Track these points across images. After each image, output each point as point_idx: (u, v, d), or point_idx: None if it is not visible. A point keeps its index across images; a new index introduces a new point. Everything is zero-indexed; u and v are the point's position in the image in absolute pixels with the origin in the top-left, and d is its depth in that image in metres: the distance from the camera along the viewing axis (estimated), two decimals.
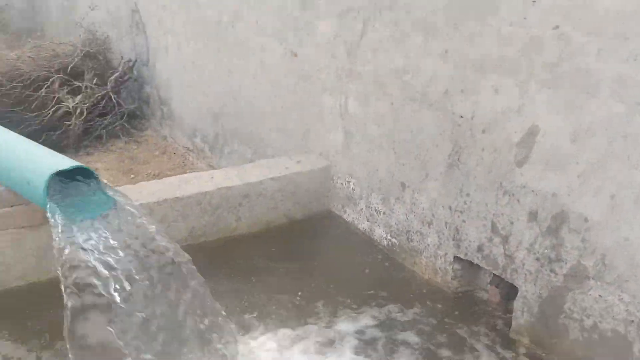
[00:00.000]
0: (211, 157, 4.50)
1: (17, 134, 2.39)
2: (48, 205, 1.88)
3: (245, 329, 2.16)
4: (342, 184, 3.02)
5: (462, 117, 2.26)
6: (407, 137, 2.54)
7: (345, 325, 2.20)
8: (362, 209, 2.89)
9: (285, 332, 2.15)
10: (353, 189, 2.94)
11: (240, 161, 3.97)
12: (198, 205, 2.76)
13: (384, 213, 2.75)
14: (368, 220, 2.86)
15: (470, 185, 2.27)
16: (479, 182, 2.23)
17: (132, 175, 4.54)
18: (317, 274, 2.55)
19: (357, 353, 2.06)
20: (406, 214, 2.61)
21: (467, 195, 2.29)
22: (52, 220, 1.85)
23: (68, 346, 1.74)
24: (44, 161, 2.04)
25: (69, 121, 4.56)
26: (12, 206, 2.31)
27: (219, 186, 2.83)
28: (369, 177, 2.81)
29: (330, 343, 2.10)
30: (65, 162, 2.02)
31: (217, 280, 2.29)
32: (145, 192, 2.73)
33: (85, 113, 4.71)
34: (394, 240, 2.71)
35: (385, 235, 2.75)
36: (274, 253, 2.72)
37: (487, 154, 2.19)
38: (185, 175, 2.99)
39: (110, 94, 4.95)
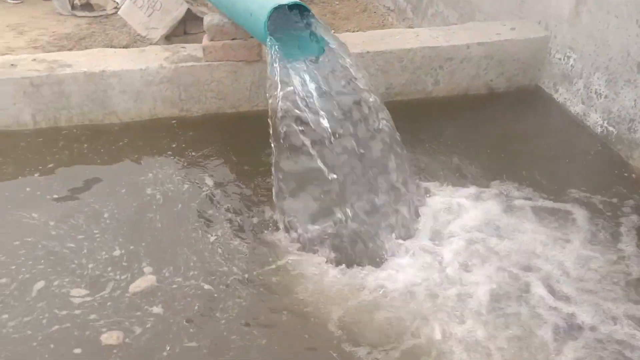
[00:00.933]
0: (412, 18, 4.31)
1: None
2: (267, 38, 1.97)
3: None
4: (559, 58, 2.68)
5: None
6: None
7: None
8: (579, 89, 2.57)
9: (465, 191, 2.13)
10: (572, 66, 2.60)
11: (444, 25, 3.73)
12: (399, 61, 2.69)
13: (605, 97, 2.41)
14: (583, 103, 2.54)
15: None
16: None
17: (332, 30, 4.58)
18: (514, 154, 2.39)
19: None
20: (635, 100, 2.25)
21: None
22: (270, 53, 1.94)
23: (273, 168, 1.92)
24: None
25: None
26: (233, 39, 2.49)
27: (423, 45, 2.71)
28: (596, 53, 2.44)
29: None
30: None
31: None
32: (349, 42, 2.72)
33: None
34: (611, 128, 2.39)
35: (601, 122, 2.44)
36: (469, 124, 2.60)
37: None
38: (390, 30, 2.91)
39: None
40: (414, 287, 1.75)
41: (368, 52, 2.64)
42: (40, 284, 1.75)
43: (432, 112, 2.67)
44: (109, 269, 1.81)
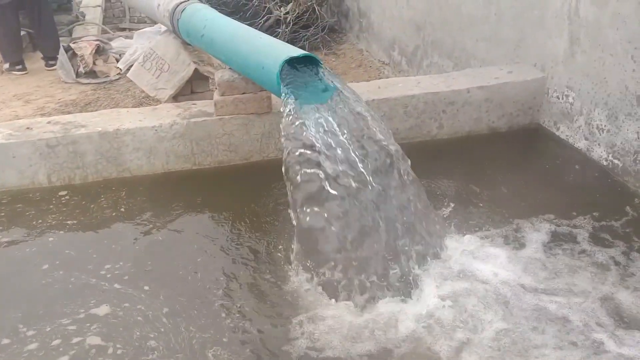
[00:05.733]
0: (408, 70, 4.46)
1: (250, 27, 2.60)
2: (281, 88, 2.04)
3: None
4: (558, 97, 2.78)
5: None
6: None
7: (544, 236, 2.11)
8: (580, 125, 2.64)
9: (481, 234, 2.13)
10: (571, 104, 2.68)
11: None
12: (404, 108, 2.77)
13: (607, 131, 2.48)
14: (586, 139, 2.61)
15: None
16: None
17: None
18: (523, 187, 2.44)
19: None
20: (638, 132, 2.32)
21: None
22: (284, 102, 2.01)
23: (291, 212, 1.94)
24: (277, 49, 2.19)
25: (278, 28, 4.84)
26: (243, 93, 2.57)
27: (425, 91, 2.80)
28: (594, 90, 2.53)
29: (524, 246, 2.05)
30: (296, 50, 2.15)
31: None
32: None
33: (291, 23, 4.95)
34: (616, 161, 2.45)
35: (605, 156, 2.50)
36: (475, 161, 2.65)
37: None
38: (391, 79, 3.01)
39: (315, 5, 5.11)
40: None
41: (373, 99, 2.72)
42: None
43: (438, 154, 2.73)
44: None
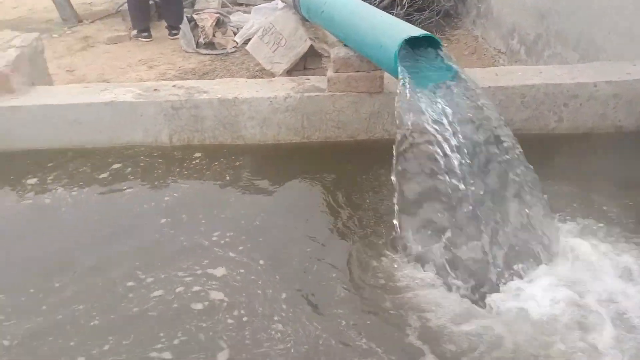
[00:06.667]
0: (526, 60, 4.24)
1: (370, 5, 2.60)
2: (399, 68, 2.03)
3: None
4: None
5: None
6: None
7: None
8: None
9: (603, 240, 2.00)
10: None
11: None
12: (521, 97, 2.65)
13: None
14: None
15: None
16: None
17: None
18: None
19: None
20: None
21: None
22: (401, 82, 2.00)
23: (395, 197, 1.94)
24: (397, 28, 2.18)
25: (392, 10, 4.80)
26: (357, 71, 2.59)
27: (546, 81, 2.66)
28: None
29: None
30: (416, 30, 2.13)
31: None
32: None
33: (406, 6, 4.88)
34: None
35: None
36: (599, 160, 2.49)
37: None
38: (511, 67, 2.89)
39: None
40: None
41: (489, 87, 2.63)
42: None
43: (556, 149, 2.59)
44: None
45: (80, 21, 6.09)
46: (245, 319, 1.73)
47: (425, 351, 1.61)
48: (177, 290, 1.84)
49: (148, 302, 1.80)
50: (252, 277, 1.89)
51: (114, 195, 2.35)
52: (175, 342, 1.66)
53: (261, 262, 1.96)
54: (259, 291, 1.84)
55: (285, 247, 2.05)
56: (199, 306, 1.77)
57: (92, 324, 1.73)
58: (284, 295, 1.82)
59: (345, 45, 2.61)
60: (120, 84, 2.80)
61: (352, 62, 2.57)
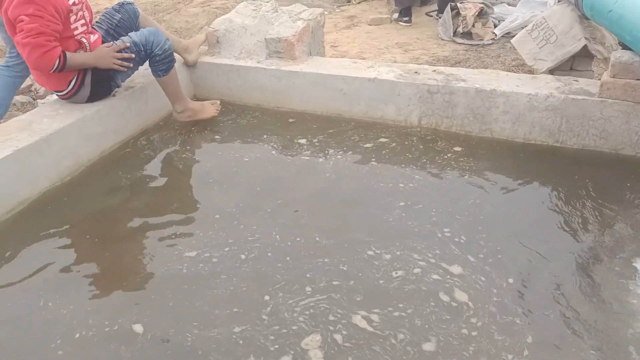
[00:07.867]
0: None
1: None
2: None
3: None
4: None
5: None
6: None
7: None
8: None
9: None
10: None
11: None
12: None
13: None
14: None
15: None
16: None
17: None
18: None
19: None
20: None
21: None
22: None
23: None
24: None
25: None
26: (638, 79, 2.33)
27: None
28: None
29: None
30: None
31: None
32: None
33: None
34: None
35: None
36: None
37: None
38: None
39: None
40: None
41: None
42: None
43: None
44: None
45: (348, 1, 6.60)
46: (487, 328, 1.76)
47: None
48: (414, 270, 1.90)
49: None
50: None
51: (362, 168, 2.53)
52: None
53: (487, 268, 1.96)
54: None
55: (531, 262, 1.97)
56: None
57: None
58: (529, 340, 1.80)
59: (627, 49, 2.37)
60: (385, 63, 2.99)
61: (634, 68, 2.32)
